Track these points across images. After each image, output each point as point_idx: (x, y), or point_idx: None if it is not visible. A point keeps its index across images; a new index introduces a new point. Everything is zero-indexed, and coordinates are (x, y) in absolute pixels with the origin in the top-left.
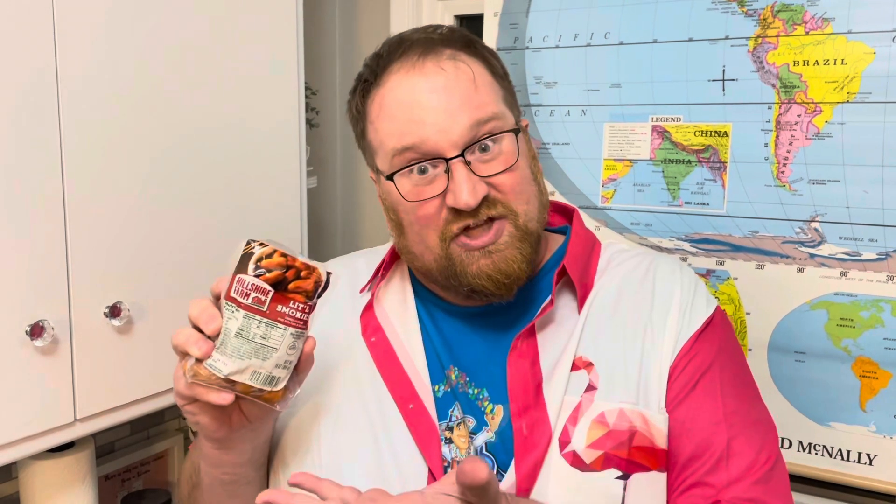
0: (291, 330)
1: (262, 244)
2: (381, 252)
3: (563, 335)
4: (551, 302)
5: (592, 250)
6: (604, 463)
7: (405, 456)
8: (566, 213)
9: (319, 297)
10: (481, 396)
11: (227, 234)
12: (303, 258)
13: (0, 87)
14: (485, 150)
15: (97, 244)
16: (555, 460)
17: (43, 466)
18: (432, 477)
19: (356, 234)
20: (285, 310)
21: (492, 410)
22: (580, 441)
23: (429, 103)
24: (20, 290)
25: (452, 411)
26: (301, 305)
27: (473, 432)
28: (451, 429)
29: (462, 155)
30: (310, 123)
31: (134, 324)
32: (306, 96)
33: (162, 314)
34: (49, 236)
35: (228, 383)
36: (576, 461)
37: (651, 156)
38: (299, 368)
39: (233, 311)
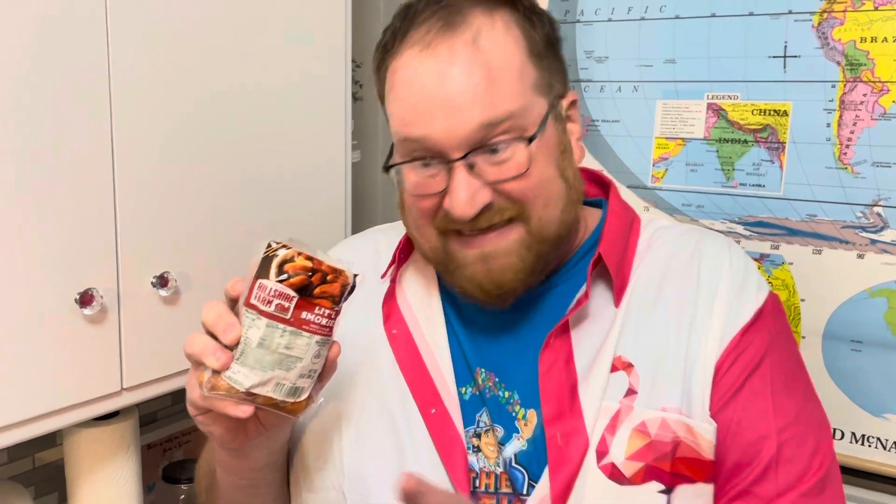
0: (317, 338)
1: (284, 246)
2: (402, 228)
3: (598, 332)
4: (586, 295)
5: (631, 230)
6: (645, 476)
7: (429, 466)
8: (603, 184)
9: (345, 300)
10: (512, 400)
11: (274, 206)
12: (328, 259)
13: (49, 54)
14: (495, 151)
15: (146, 214)
16: (591, 472)
17: (88, 435)
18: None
19: (396, 209)
20: (310, 317)
21: (524, 416)
22: (619, 452)
23: (436, 94)
24: (71, 259)
25: (480, 416)
26: (327, 311)
27: (502, 442)
28: (478, 436)
29: (466, 157)
30: (354, 97)
31: (181, 294)
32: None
33: (208, 285)
34: (98, 206)
35: (249, 396)
36: (614, 474)
37: (705, 135)
38: (322, 376)
39: (253, 319)
